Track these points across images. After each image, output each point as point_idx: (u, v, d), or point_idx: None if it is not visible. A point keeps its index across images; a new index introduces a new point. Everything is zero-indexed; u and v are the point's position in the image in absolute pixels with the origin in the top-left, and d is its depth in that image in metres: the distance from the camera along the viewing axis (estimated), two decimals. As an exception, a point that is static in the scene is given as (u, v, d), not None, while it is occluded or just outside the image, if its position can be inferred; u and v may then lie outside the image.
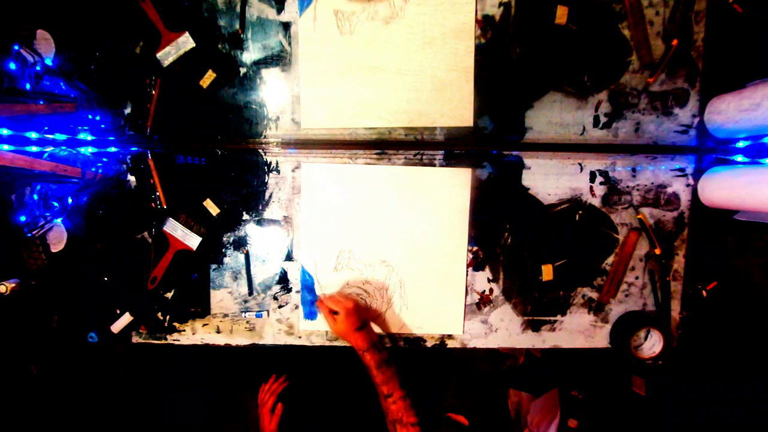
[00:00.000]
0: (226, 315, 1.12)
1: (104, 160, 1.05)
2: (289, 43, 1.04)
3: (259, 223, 1.10)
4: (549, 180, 1.08)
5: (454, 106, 1.05)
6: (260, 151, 1.07)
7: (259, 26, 1.04)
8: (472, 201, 1.08)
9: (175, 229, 1.08)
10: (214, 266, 1.11)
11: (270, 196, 1.09)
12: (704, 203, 1.06)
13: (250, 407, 1.50)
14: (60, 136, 1.01)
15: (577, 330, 1.13)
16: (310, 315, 1.12)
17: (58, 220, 1.07)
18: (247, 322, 1.12)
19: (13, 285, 0.99)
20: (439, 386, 1.53)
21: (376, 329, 1.11)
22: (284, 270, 1.11)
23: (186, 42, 1.03)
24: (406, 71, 1.04)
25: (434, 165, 1.08)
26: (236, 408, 1.54)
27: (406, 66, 1.04)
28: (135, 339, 1.13)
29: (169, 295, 1.11)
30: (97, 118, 1.04)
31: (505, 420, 1.53)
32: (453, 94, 1.05)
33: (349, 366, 1.42)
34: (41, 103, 0.94)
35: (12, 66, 0.93)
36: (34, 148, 0.97)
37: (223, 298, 1.11)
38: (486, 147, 1.07)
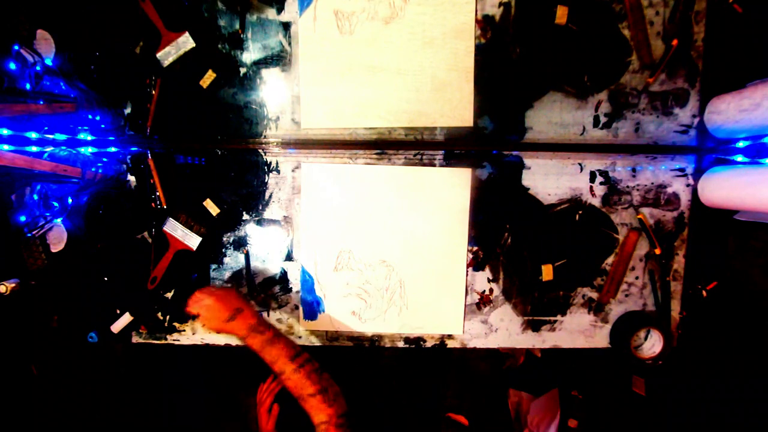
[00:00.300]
0: (226, 315, 1.11)
1: (104, 160, 1.05)
2: (289, 43, 1.04)
3: (259, 223, 1.10)
4: (549, 180, 1.08)
5: (454, 106, 1.05)
6: (260, 151, 1.07)
7: (259, 26, 1.04)
8: (472, 201, 1.08)
9: (175, 229, 1.08)
10: (214, 266, 1.11)
11: (270, 196, 1.09)
12: (704, 203, 1.06)
13: (250, 407, 1.50)
14: (60, 136, 1.01)
15: (577, 330, 1.13)
16: (310, 315, 1.12)
17: (58, 220, 1.07)
18: (247, 322, 1.12)
19: (13, 285, 0.99)
20: (439, 386, 1.52)
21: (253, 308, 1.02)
22: (284, 270, 1.11)
23: (186, 42, 1.03)
24: (406, 71, 1.04)
25: (434, 165, 1.08)
26: (236, 408, 1.54)
27: (406, 66, 1.04)
28: (135, 339, 1.13)
29: (169, 295, 1.11)
30: (97, 118, 1.04)
31: (505, 420, 1.53)
32: (453, 94, 1.05)
33: (349, 366, 1.43)
34: (41, 103, 0.94)
35: (12, 66, 0.93)
36: (34, 148, 0.97)
37: (223, 298, 1.11)
38: (486, 147, 1.07)
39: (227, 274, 1.11)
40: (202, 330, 1.12)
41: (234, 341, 1.12)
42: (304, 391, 0.81)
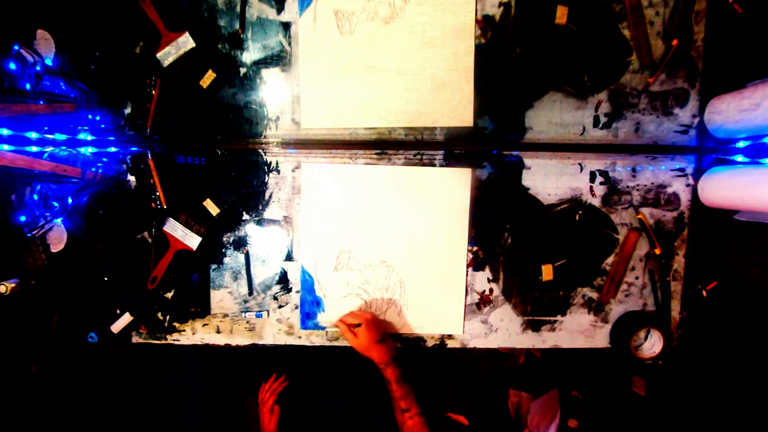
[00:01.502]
0: (226, 315, 1.12)
1: (104, 160, 1.05)
2: (289, 43, 1.04)
3: (259, 223, 1.10)
4: (549, 180, 1.08)
5: (454, 106, 1.05)
6: (260, 151, 1.07)
7: (259, 26, 1.04)
8: (472, 201, 1.08)
9: (175, 229, 1.08)
10: (214, 266, 1.11)
11: (270, 196, 1.09)
12: (704, 203, 1.06)
13: (250, 407, 1.50)
14: (60, 136, 1.01)
15: (577, 330, 1.13)
16: (306, 324, 1.12)
17: (58, 220, 1.07)
18: (247, 322, 1.12)
19: (13, 285, 0.99)
20: (439, 386, 1.52)
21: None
22: (284, 270, 1.11)
23: (186, 42, 1.03)
24: (406, 71, 1.04)
25: (434, 165, 1.08)
26: (236, 408, 1.54)
27: (406, 66, 1.04)
28: (135, 339, 1.13)
29: (169, 295, 1.11)
30: (97, 118, 1.04)
31: (505, 420, 1.53)
32: (453, 94, 1.05)
33: (349, 366, 1.42)
34: (41, 103, 0.94)
35: (12, 66, 0.93)
36: (34, 148, 0.97)
37: (223, 298, 1.11)
38: (486, 147, 1.07)
39: (227, 274, 1.11)
40: (195, 324, 1.12)
41: (235, 341, 1.12)
42: None
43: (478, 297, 1.12)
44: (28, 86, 0.95)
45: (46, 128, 0.99)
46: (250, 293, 1.11)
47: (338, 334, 1.13)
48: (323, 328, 1.12)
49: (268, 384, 1.33)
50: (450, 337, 1.14)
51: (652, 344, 1.08)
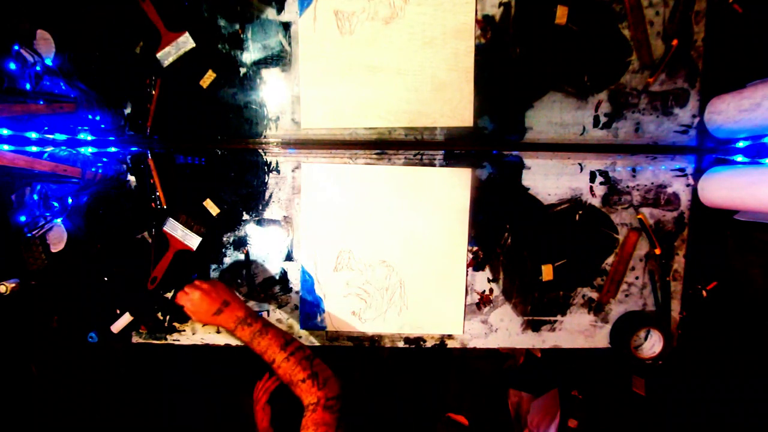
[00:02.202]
0: (226, 315, 1.12)
1: (104, 160, 1.05)
2: (289, 43, 1.04)
3: (259, 223, 1.10)
4: (549, 180, 1.08)
5: (454, 106, 1.05)
6: (260, 151, 1.07)
7: (259, 26, 1.04)
8: (472, 201, 1.08)
9: (175, 229, 1.08)
10: (214, 266, 1.11)
11: (270, 196, 1.09)
12: (704, 203, 1.06)
13: (250, 407, 1.50)
14: (60, 136, 1.01)
15: (577, 330, 1.13)
16: (308, 319, 1.12)
17: (58, 220, 1.07)
18: (247, 322, 1.12)
19: (13, 285, 0.99)
20: (439, 386, 1.53)
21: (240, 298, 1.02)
22: (284, 270, 1.11)
23: (186, 42, 1.03)
24: (406, 71, 1.04)
25: (434, 165, 1.08)
26: (236, 408, 1.54)
27: (406, 66, 1.04)
28: (135, 339, 1.13)
29: (169, 295, 1.11)
30: (97, 118, 1.04)
31: (505, 420, 1.53)
32: (453, 94, 1.05)
33: (349, 366, 1.42)
34: (41, 103, 0.94)
35: (12, 66, 0.93)
36: (34, 148, 0.97)
37: (223, 298, 1.11)
38: (486, 147, 1.07)
39: (227, 275, 1.10)
40: (195, 324, 1.12)
41: (234, 341, 1.12)
42: (294, 378, 0.82)
43: (478, 297, 1.12)
44: (28, 86, 0.95)
45: (46, 128, 0.99)
46: (250, 293, 1.11)
47: (337, 333, 1.14)
48: (323, 328, 1.12)
49: (262, 382, 1.33)
50: (450, 337, 1.14)
51: (652, 344, 1.08)
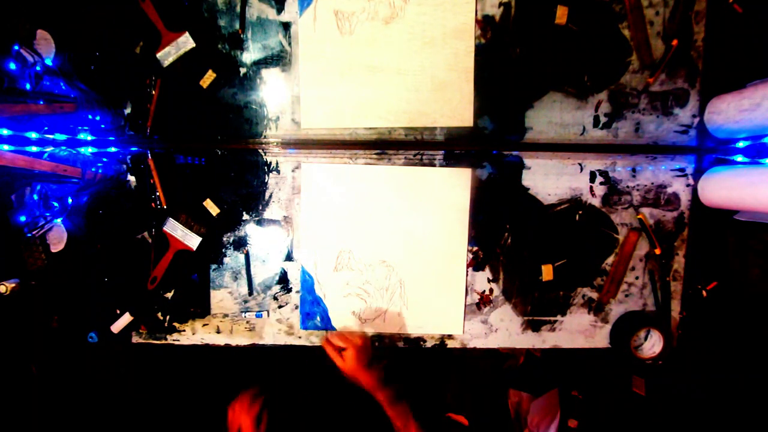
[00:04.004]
0: (226, 315, 1.12)
1: (104, 160, 1.05)
2: (289, 43, 1.04)
3: (259, 223, 1.10)
4: (549, 180, 1.08)
5: (454, 106, 1.05)
6: (260, 151, 1.07)
7: (259, 26, 1.04)
8: (472, 201, 1.08)
9: (175, 229, 1.08)
10: (214, 266, 1.11)
11: (270, 196, 1.09)
12: (704, 203, 1.06)
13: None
14: (60, 136, 1.01)
15: (577, 330, 1.13)
16: (306, 324, 1.12)
17: (58, 220, 1.07)
18: (247, 322, 1.12)
19: (13, 285, 0.99)
20: (439, 386, 1.52)
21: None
22: (284, 270, 1.11)
23: (186, 42, 1.03)
24: (406, 71, 1.04)
25: (434, 165, 1.08)
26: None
27: (406, 66, 1.04)
28: (135, 339, 1.13)
29: (169, 295, 1.11)
30: (97, 118, 1.04)
31: (505, 420, 1.53)
32: (453, 94, 1.05)
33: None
34: (41, 103, 0.94)
35: (12, 66, 0.93)
36: (34, 148, 0.97)
37: (223, 298, 1.11)
38: (486, 147, 1.07)
39: (227, 275, 1.11)
40: (195, 324, 1.12)
41: (234, 341, 1.12)
42: None
43: (478, 297, 1.12)
44: (28, 86, 0.95)
45: (46, 128, 0.99)
46: (250, 293, 1.11)
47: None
48: (323, 328, 1.12)
49: (237, 404, 1.22)
50: (450, 337, 1.14)
51: (652, 344, 1.08)
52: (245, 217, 1.09)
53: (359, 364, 0.96)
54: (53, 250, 1.08)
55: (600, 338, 1.14)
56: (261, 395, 1.19)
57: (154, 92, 1.05)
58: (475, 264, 1.11)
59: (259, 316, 1.11)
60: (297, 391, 1.36)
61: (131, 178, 1.08)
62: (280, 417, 1.18)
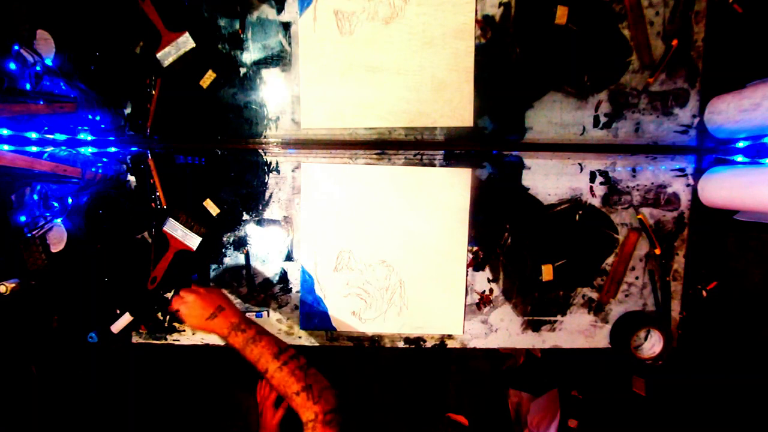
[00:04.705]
0: (226, 315, 1.11)
1: (104, 160, 1.05)
2: (289, 43, 1.04)
3: (259, 223, 1.10)
4: (549, 180, 1.08)
5: (454, 106, 1.05)
6: (260, 151, 1.07)
7: (259, 26, 1.04)
8: (472, 201, 1.08)
9: (175, 229, 1.08)
10: (214, 266, 1.11)
11: (270, 196, 1.09)
12: (704, 203, 1.06)
13: (250, 407, 1.50)
14: (60, 136, 1.01)
15: (577, 330, 1.13)
16: (306, 324, 1.12)
17: (58, 220, 1.07)
18: (247, 322, 1.12)
19: (13, 285, 0.99)
20: (439, 386, 1.53)
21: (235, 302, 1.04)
22: (284, 270, 1.11)
23: (186, 42, 1.03)
24: (406, 71, 1.04)
25: (434, 165, 1.08)
26: (236, 408, 1.54)
27: (406, 66, 1.04)
28: (135, 339, 1.13)
29: (169, 295, 1.11)
30: (97, 118, 1.04)
31: (505, 420, 1.53)
32: (453, 94, 1.05)
33: (350, 366, 1.42)
34: (41, 103, 0.94)
35: (12, 66, 0.93)
36: (34, 148, 0.97)
37: (223, 298, 1.11)
38: (486, 147, 1.07)
39: (227, 275, 1.11)
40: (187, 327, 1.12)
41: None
42: (289, 390, 0.78)
43: (478, 297, 1.12)
44: (28, 86, 0.95)
45: (46, 128, 0.99)
46: (250, 293, 1.11)
47: (338, 333, 1.13)
48: (323, 328, 1.12)
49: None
50: (450, 337, 1.14)
51: (652, 344, 1.08)
52: (245, 217, 1.09)
53: (198, 319, 0.89)
54: (53, 250, 1.08)
55: (600, 338, 1.14)
56: None
57: (154, 92, 1.05)
58: (475, 264, 1.11)
59: (259, 316, 1.11)
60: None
61: (131, 178, 1.08)
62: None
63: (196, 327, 0.92)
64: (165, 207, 1.08)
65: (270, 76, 1.05)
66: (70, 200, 1.05)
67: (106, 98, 1.05)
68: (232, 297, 1.11)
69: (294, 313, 1.12)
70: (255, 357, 0.83)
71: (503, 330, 1.13)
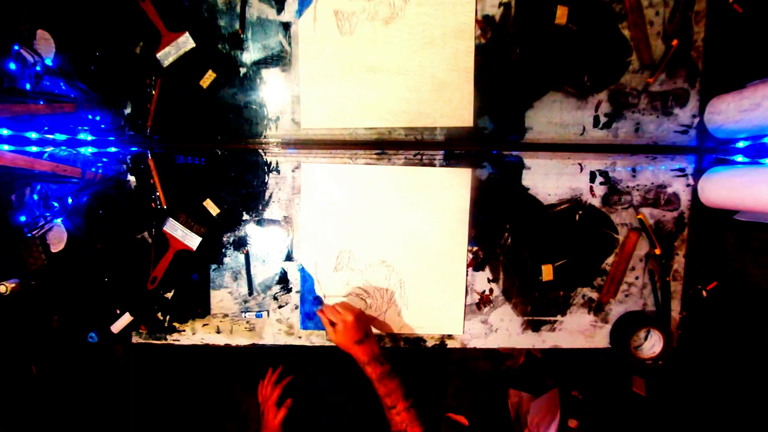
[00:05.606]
0: (226, 315, 1.12)
1: (104, 160, 1.05)
2: (289, 43, 1.04)
3: (259, 223, 1.10)
4: (549, 180, 1.08)
5: (454, 106, 1.05)
6: (260, 151, 1.07)
7: (259, 26, 1.04)
8: (472, 201, 1.08)
9: (175, 229, 1.08)
10: (214, 266, 1.11)
11: (270, 196, 1.09)
12: (704, 203, 1.06)
13: (250, 407, 1.50)
14: (60, 136, 1.01)
15: (577, 330, 1.13)
16: (306, 324, 1.12)
17: (58, 220, 1.07)
18: (247, 322, 1.12)
19: (13, 285, 0.99)
20: (439, 386, 1.52)
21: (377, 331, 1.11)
22: (284, 270, 1.11)
23: (186, 42, 1.03)
24: (406, 71, 1.04)
25: (434, 165, 1.08)
26: (236, 408, 1.54)
27: (406, 66, 1.04)
28: (135, 339, 1.13)
29: (169, 295, 1.11)
30: (97, 118, 1.04)
31: (505, 420, 1.53)
32: (453, 94, 1.05)
33: (350, 366, 1.42)
34: (41, 103, 0.94)
35: (12, 66, 0.93)
36: (34, 148, 0.97)
37: (223, 298, 1.11)
38: (486, 147, 1.07)
39: (227, 275, 1.11)
40: (195, 324, 1.12)
41: (234, 341, 1.12)
42: (410, 428, 0.91)
43: (478, 297, 1.12)
44: (28, 86, 0.95)
45: (46, 128, 0.99)
46: (250, 293, 1.11)
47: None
48: (323, 328, 1.12)
49: (267, 379, 1.32)
50: (450, 337, 1.14)
51: (652, 344, 1.08)
52: (245, 217, 1.09)
53: (348, 340, 0.96)
54: (53, 250, 1.08)
55: (600, 338, 1.14)
56: (288, 375, 1.24)
57: (154, 92, 1.05)
58: (475, 264, 1.11)
59: (259, 316, 1.11)
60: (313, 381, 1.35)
61: (131, 178, 1.08)
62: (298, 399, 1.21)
63: (341, 345, 0.98)
64: (165, 207, 1.08)
65: (270, 76, 1.05)
66: (70, 200, 1.05)
67: (106, 98, 1.05)
68: (231, 297, 1.11)
69: (294, 313, 1.12)
70: (388, 391, 0.93)
71: (503, 330, 1.13)
